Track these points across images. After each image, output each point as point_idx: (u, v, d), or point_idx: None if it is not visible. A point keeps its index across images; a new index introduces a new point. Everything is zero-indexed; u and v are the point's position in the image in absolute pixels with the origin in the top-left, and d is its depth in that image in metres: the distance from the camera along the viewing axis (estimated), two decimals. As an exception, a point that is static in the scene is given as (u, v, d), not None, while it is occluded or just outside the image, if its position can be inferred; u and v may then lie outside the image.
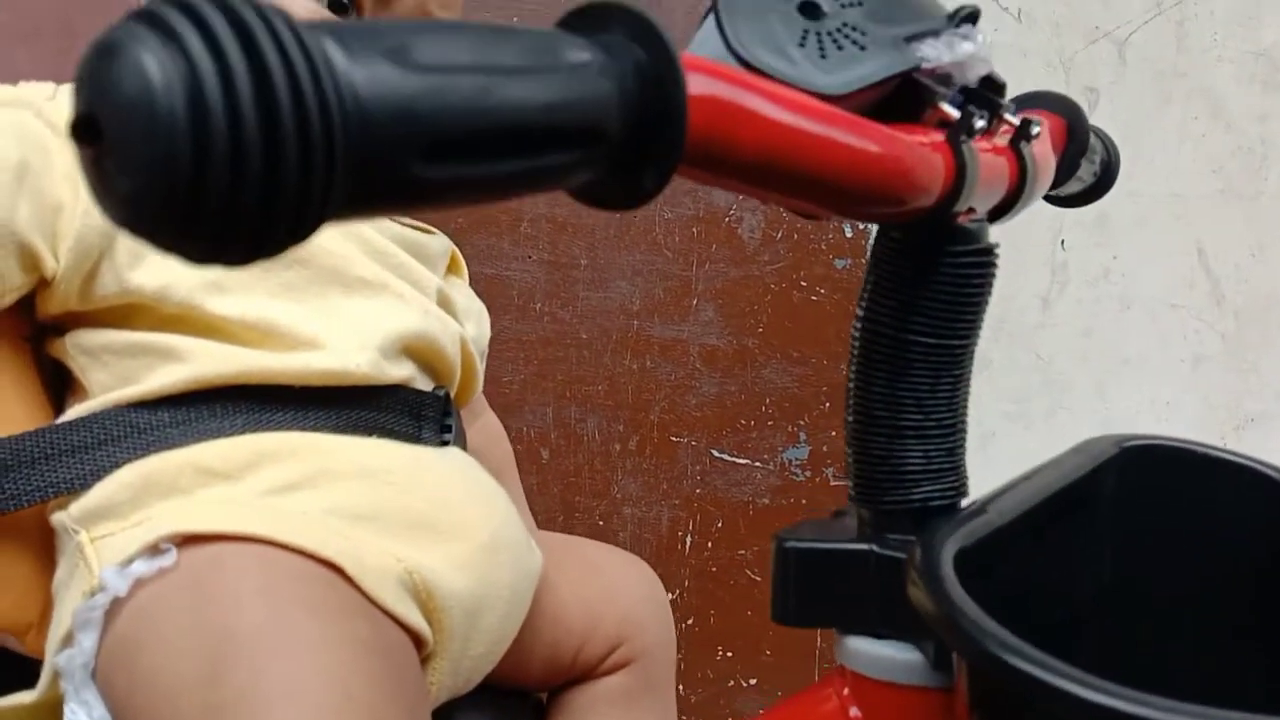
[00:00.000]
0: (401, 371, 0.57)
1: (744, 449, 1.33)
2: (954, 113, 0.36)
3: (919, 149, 0.35)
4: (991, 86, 0.41)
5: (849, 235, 1.35)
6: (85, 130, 0.19)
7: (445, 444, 0.59)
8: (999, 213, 0.42)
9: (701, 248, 1.33)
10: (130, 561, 0.47)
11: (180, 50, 0.18)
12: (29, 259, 0.50)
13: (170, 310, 0.52)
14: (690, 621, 1.32)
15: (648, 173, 0.27)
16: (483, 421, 0.76)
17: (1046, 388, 1.49)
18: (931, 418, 0.40)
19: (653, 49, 0.26)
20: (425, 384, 0.60)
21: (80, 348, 0.53)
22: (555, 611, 0.61)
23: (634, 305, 1.32)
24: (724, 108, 0.29)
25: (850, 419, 0.42)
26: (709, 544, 1.32)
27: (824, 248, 1.35)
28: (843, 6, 0.37)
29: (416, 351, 0.59)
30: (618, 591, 0.64)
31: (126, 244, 0.52)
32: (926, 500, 0.40)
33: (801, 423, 1.34)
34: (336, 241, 0.58)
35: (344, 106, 0.20)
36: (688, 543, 1.32)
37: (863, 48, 0.36)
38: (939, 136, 0.37)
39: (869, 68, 0.35)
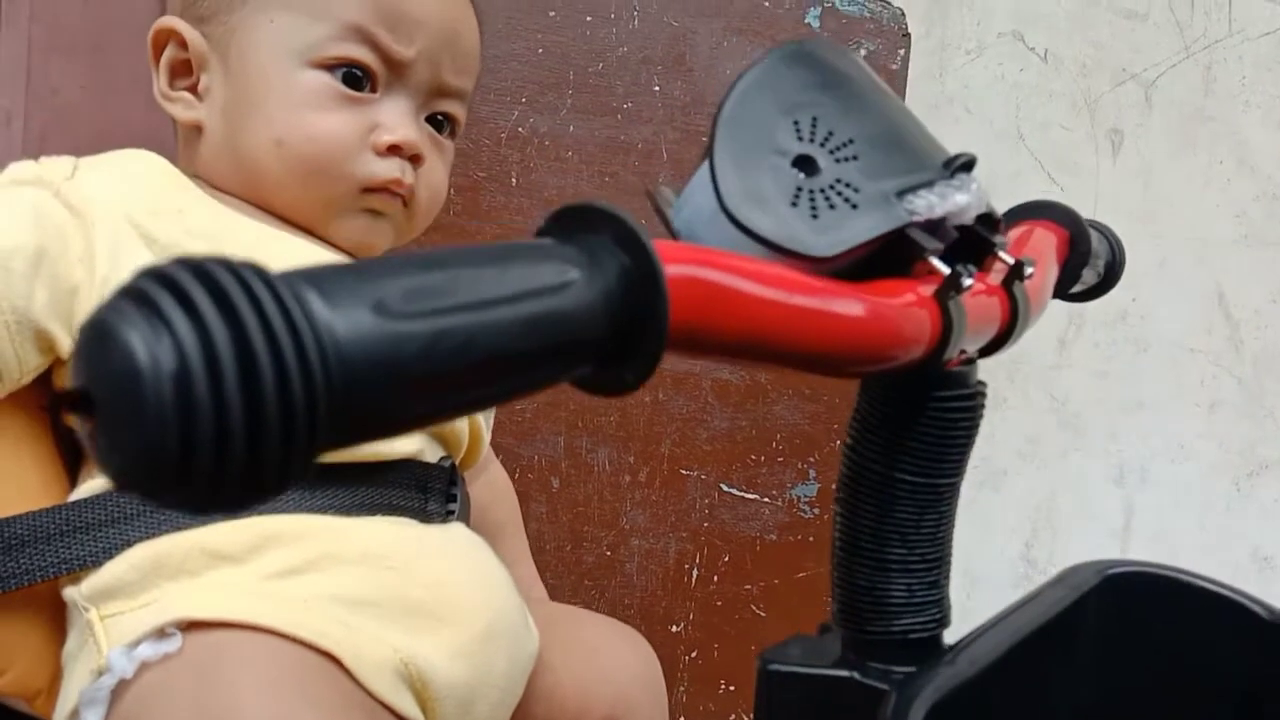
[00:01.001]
0: (409, 446, 0.58)
1: (753, 484, 1.34)
2: (943, 269, 0.37)
3: (905, 310, 0.36)
4: (987, 223, 0.41)
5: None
6: (81, 404, 0.20)
7: (451, 514, 0.61)
8: (991, 349, 0.42)
9: (717, 282, 1.33)
10: (137, 644, 0.49)
11: (166, 330, 0.19)
12: (45, 342, 0.51)
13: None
14: (694, 655, 1.33)
15: (630, 369, 0.28)
16: (488, 476, 0.77)
17: (1060, 428, 1.49)
18: (916, 552, 0.41)
19: (635, 255, 0.27)
20: (433, 453, 0.61)
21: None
22: (549, 692, 0.62)
23: (648, 337, 1.32)
24: (705, 299, 0.30)
25: (835, 547, 0.43)
26: (715, 578, 1.33)
27: (840, 285, 1.35)
28: (837, 161, 0.37)
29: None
30: (613, 671, 0.66)
31: None
32: (908, 631, 0.41)
33: (811, 460, 1.34)
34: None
35: (328, 367, 0.21)
36: (694, 576, 1.33)
37: (854, 205, 0.36)
38: (928, 289, 0.37)
39: (859, 227, 0.36)
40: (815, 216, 0.36)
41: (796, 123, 0.37)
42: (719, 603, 1.33)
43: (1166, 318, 1.49)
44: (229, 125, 0.62)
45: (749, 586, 1.33)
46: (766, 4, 1.36)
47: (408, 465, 0.58)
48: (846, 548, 0.42)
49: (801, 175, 0.37)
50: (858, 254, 0.37)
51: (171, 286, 0.20)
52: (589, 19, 1.34)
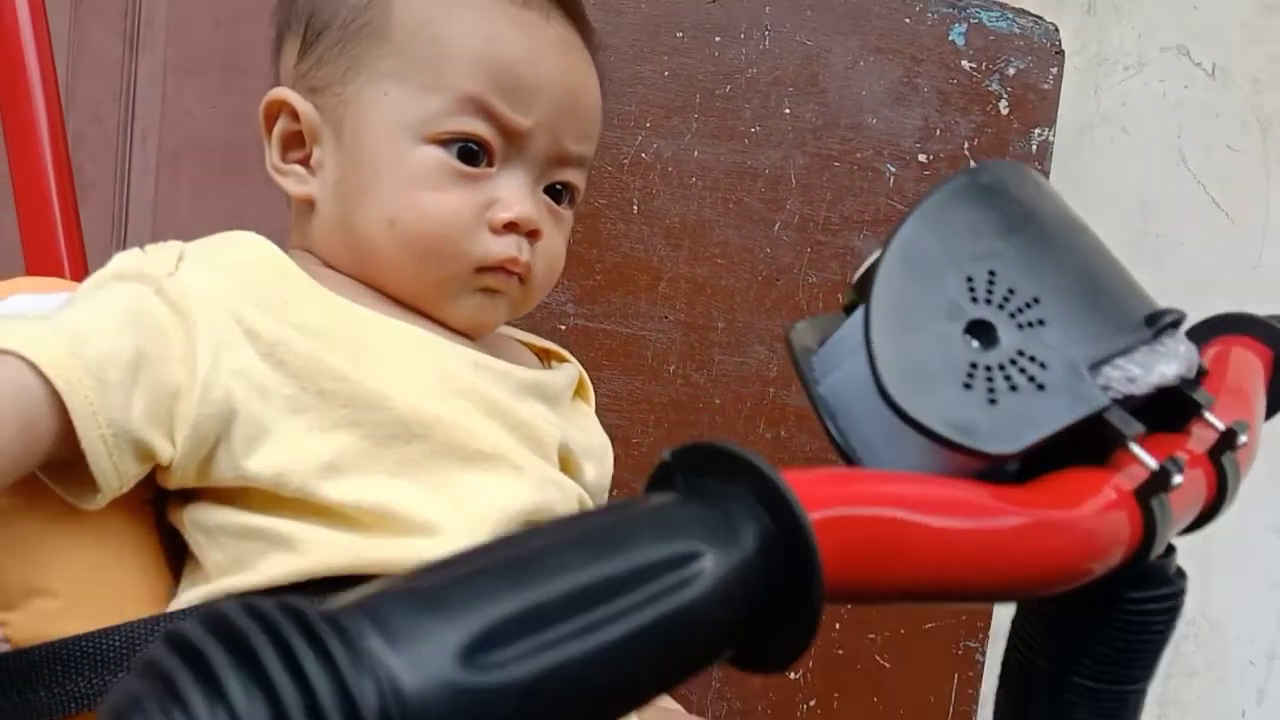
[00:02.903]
0: None
1: (880, 530, 1.27)
2: (1148, 463, 0.31)
3: (1098, 519, 0.30)
4: (1192, 381, 0.35)
5: (1007, 309, 1.26)
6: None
7: None
8: (1191, 528, 0.36)
9: (846, 315, 1.27)
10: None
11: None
12: (144, 452, 0.49)
13: (285, 495, 0.51)
14: (813, 704, 1.28)
15: (778, 649, 0.23)
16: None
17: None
18: (1094, 765, 0.35)
19: (777, 513, 0.22)
20: None
21: (197, 525, 0.53)
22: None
23: (771, 372, 1.27)
24: (862, 547, 0.24)
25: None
26: (837, 625, 1.27)
27: (979, 321, 1.27)
28: (1020, 328, 0.31)
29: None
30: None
31: (243, 429, 0.51)
32: None
33: (943, 506, 1.27)
34: (456, 405, 0.56)
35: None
36: (814, 624, 1.27)
37: (1041, 386, 0.31)
38: (1127, 482, 0.31)
39: (1047, 415, 0.30)
40: (994, 402, 0.30)
41: (970, 279, 0.31)
42: (840, 651, 1.27)
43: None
44: (342, 202, 0.59)
45: (873, 636, 1.27)
46: (907, 20, 1.28)
47: None
48: (1011, 750, 0.36)
49: (976, 346, 0.31)
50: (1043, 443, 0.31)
51: (194, 662, 0.16)
52: (718, 39, 1.28)
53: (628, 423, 1.28)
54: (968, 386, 0.30)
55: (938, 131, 1.28)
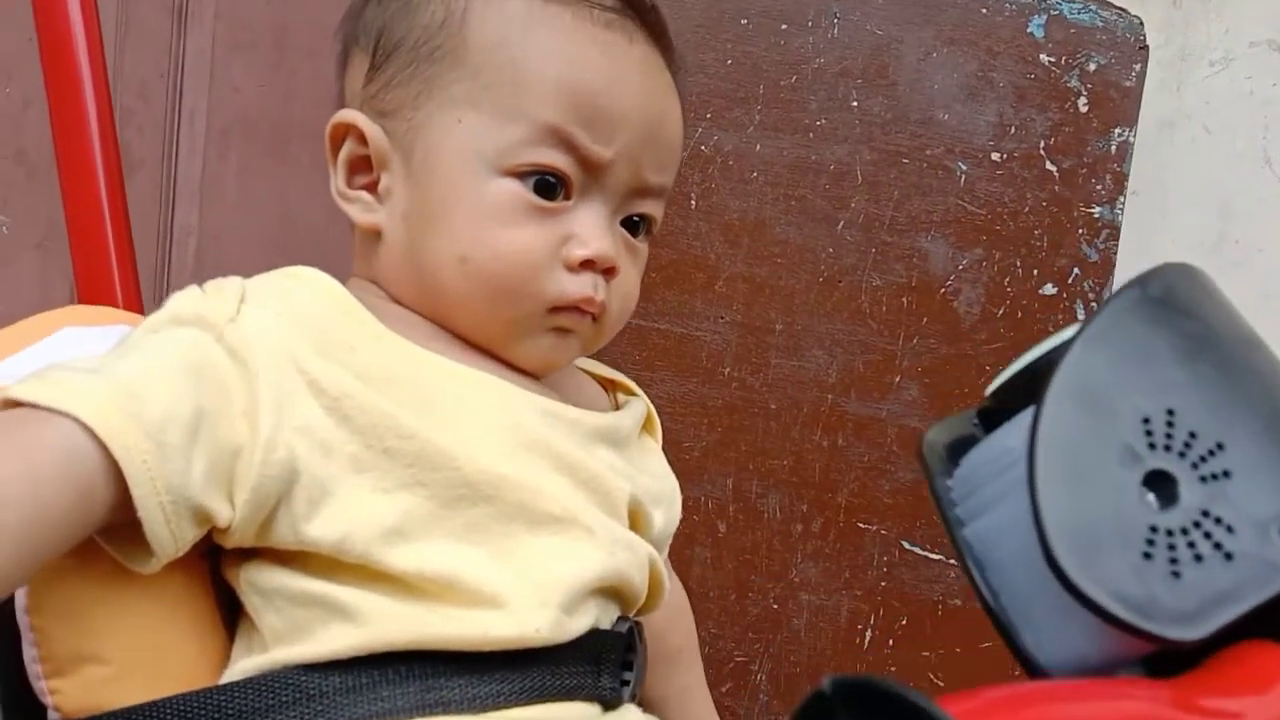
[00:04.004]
0: (583, 622, 0.52)
1: (938, 544, 1.23)
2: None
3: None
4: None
5: (1081, 318, 1.21)
6: None
7: (625, 684, 0.54)
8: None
9: (911, 320, 1.22)
10: None
11: None
12: (203, 517, 0.46)
13: (347, 561, 0.48)
14: None
15: None
16: (665, 596, 0.70)
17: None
18: None
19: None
20: (609, 615, 0.55)
21: (254, 586, 0.50)
22: None
23: (830, 377, 1.23)
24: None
25: None
26: (890, 641, 1.24)
27: (1050, 329, 1.21)
28: (1203, 480, 0.27)
29: (602, 592, 0.54)
30: None
31: (305, 491, 0.48)
32: None
33: (1004, 520, 1.23)
34: (526, 462, 0.52)
35: None
36: (867, 637, 1.24)
37: (1229, 554, 0.27)
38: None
39: (1235, 592, 0.26)
40: (1176, 575, 0.26)
41: (1147, 419, 0.28)
42: (893, 667, 1.24)
43: None
44: (410, 234, 0.56)
45: (927, 653, 1.24)
46: (984, 11, 1.22)
47: (580, 640, 0.51)
48: None
49: (1155, 503, 0.27)
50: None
51: None
52: (784, 27, 1.22)
53: (679, 426, 1.24)
54: (1147, 556, 0.26)
55: (1012, 129, 1.22)
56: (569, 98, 0.54)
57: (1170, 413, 0.28)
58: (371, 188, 0.57)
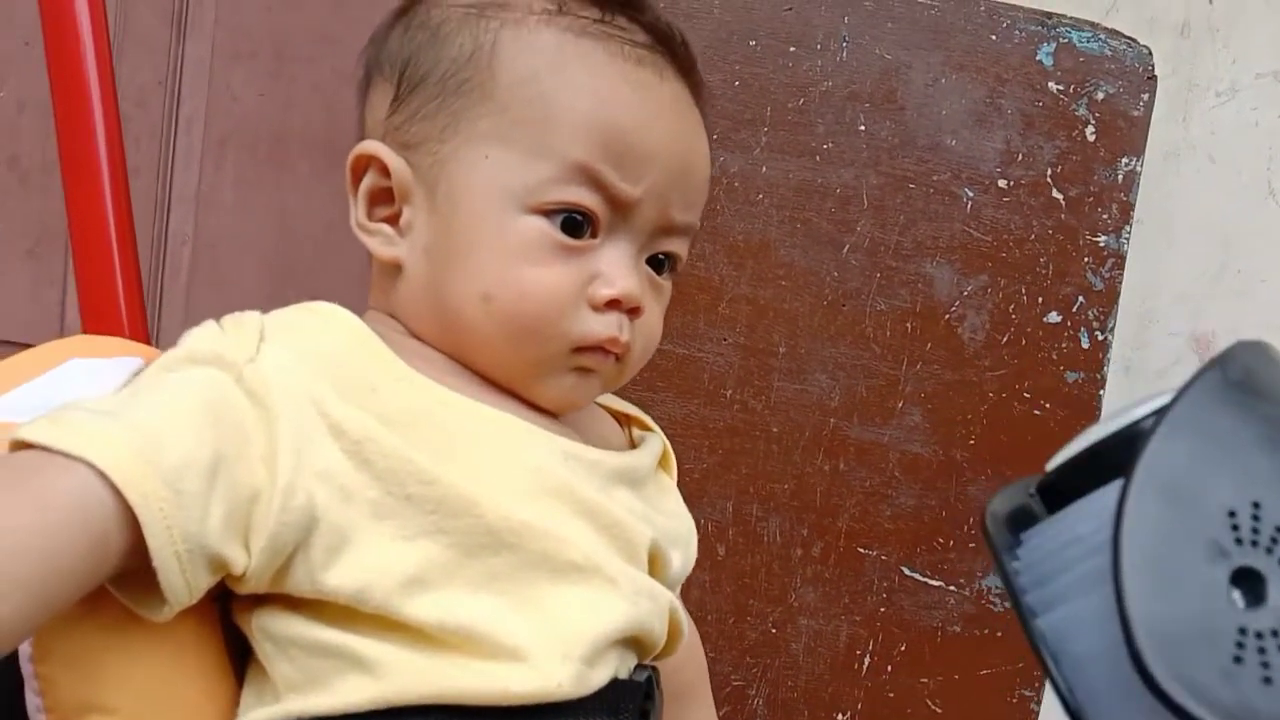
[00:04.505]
0: (604, 674, 0.51)
1: (938, 570, 1.23)
2: None
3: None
4: None
5: (1085, 346, 1.21)
6: None
7: (642, 733, 0.53)
8: None
9: (914, 345, 1.22)
10: None
11: None
12: (219, 564, 0.45)
13: (365, 611, 0.47)
14: (859, 745, 1.24)
15: None
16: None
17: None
18: None
19: None
20: (627, 664, 0.54)
21: (267, 634, 0.48)
22: None
23: (832, 401, 1.22)
24: None
25: None
26: (889, 667, 1.23)
27: (1055, 358, 1.21)
28: (1291, 576, 0.26)
29: (623, 642, 0.52)
30: None
31: (324, 539, 0.46)
32: None
33: (1005, 549, 1.22)
34: (547, 508, 0.51)
35: None
36: (865, 663, 1.23)
37: (1322, 658, 0.26)
38: None
39: (1331, 698, 0.25)
40: (1268, 681, 0.25)
41: (1233, 512, 0.26)
42: (891, 694, 1.23)
43: None
44: (432, 270, 0.54)
45: (926, 680, 1.23)
46: (993, 37, 1.21)
47: (599, 691, 0.50)
48: None
49: (1242, 603, 0.26)
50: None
51: None
52: (792, 49, 1.22)
53: (680, 448, 1.22)
54: (1238, 660, 0.25)
55: (1020, 156, 1.22)
56: (599, 136, 0.53)
57: (1256, 505, 0.27)
58: (393, 220, 0.56)
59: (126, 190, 0.61)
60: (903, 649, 1.23)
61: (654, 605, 0.54)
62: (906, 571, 1.23)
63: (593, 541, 0.52)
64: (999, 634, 1.22)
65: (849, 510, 1.22)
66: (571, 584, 0.51)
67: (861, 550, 1.23)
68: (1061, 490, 0.31)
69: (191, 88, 1.43)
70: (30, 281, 1.41)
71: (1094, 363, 1.21)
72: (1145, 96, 1.22)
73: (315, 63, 1.42)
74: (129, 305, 0.61)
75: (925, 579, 1.23)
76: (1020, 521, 0.34)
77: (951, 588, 1.23)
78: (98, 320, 0.60)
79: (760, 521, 1.23)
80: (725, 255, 1.22)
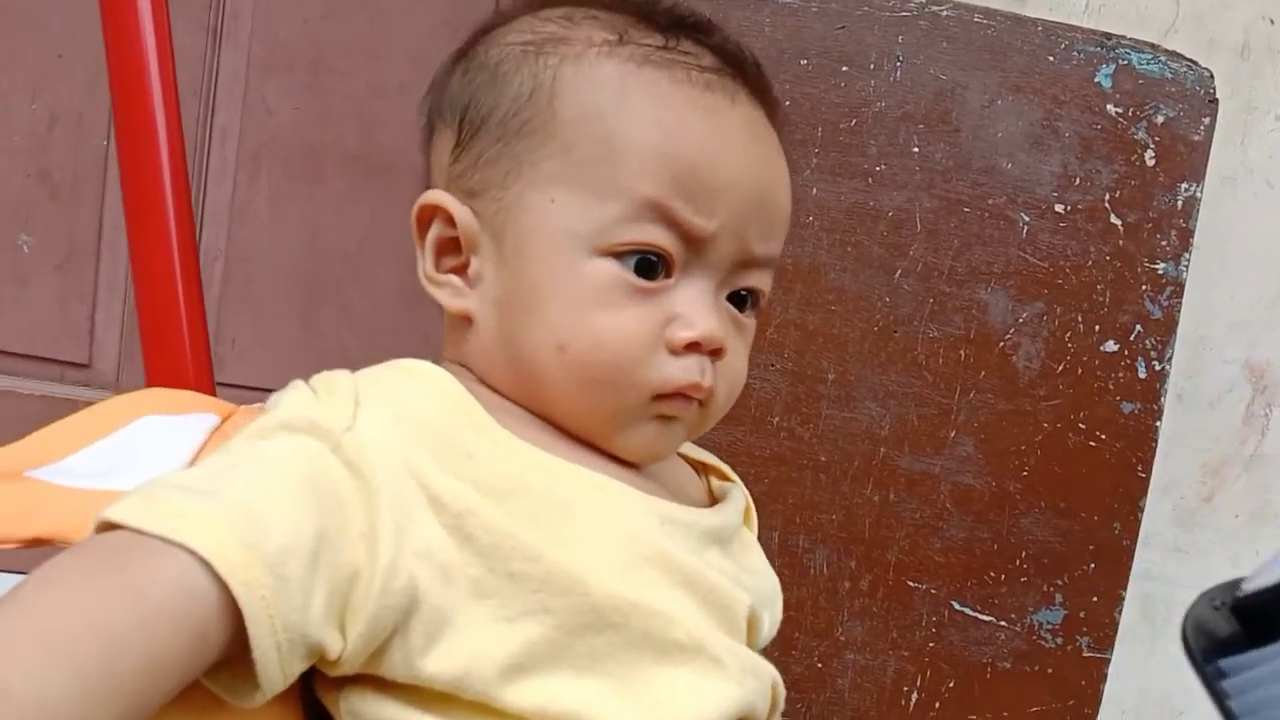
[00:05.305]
0: None
1: (989, 605, 1.20)
2: None
3: None
4: None
5: (1142, 376, 1.18)
6: None
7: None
8: None
9: (968, 374, 1.19)
10: None
11: None
12: (316, 651, 0.42)
13: (463, 698, 0.44)
14: (906, 783, 1.21)
15: None
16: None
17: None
18: None
19: None
20: None
21: (356, 716, 0.46)
22: None
23: (882, 430, 1.19)
24: None
25: None
26: (937, 704, 1.20)
27: (1111, 388, 1.19)
28: None
29: (731, 728, 0.50)
30: None
31: (423, 623, 0.43)
32: None
33: (1059, 583, 1.19)
34: (647, 581, 0.48)
35: None
36: (913, 699, 1.20)
37: None
38: None
39: None
40: None
41: None
42: (939, 732, 1.20)
43: None
44: (503, 321, 0.52)
45: (974, 717, 1.20)
46: (1051, 59, 1.18)
47: None
48: None
49: None
50: None
51: None
52: (845, 69, 1.19)
53: (726, 475, 1.20)
54: None
55: (1077, 180, 1.19)
56: (668, 168, 0.50)
57: None
58: (461, 270, 0.53)
59: (193, 235, 0.59)
60: (951, 685, 1.20)
61: (759, 684, 0.51)
62: (956, 606, 1.20)
63: (694, 616, 0.49)
64: (1049, 670, 1.19)
65: (898, 542, 1.19)
66: (676, 665, 0.48)
67: (911, 584, 1.20)
68: (1261, 619, 0.28)
69: (226, 99, 1.41)
70: (59, 297, 1.38)
71: (1151, 393, 1.18)
72: (1206, 120, 1.19)
73: (351, 76, 1.39)
74: (194, 353, 0.58)
75: (976, 614, 1.20)
76: (1219, 640, 0.31)
77: (1002, 623, 1.20)
78: (162, 370, 0.57)
79: (807, 553, 1.21)
80: (774, 279, 1.19)
